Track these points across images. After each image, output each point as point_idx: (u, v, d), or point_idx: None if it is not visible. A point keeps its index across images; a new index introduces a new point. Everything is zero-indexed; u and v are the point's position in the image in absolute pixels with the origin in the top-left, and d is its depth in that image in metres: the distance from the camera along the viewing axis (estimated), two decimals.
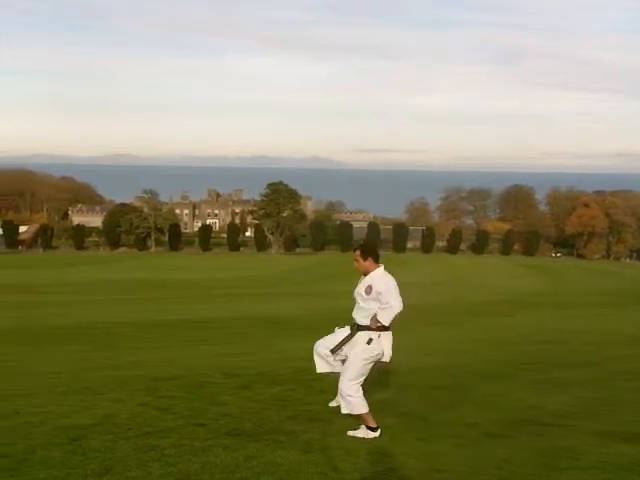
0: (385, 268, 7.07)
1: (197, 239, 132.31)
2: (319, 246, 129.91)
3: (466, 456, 6.35)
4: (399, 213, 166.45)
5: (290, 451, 6.35)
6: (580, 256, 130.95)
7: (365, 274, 7.04)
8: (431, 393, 9.17)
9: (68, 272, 76.27)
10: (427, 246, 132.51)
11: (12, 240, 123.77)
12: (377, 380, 10.22)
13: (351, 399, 6.88)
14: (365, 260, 7.00)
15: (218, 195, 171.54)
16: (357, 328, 6.99)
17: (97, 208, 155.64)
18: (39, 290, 50.27)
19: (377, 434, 6.86)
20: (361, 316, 6.99)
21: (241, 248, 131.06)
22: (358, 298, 7.07)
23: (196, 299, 40.64)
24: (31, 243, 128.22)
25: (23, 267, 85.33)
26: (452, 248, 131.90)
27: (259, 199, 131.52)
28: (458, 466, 6.07)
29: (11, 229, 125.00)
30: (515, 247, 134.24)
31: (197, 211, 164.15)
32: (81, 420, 7.32)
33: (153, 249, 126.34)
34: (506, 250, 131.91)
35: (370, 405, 7.00)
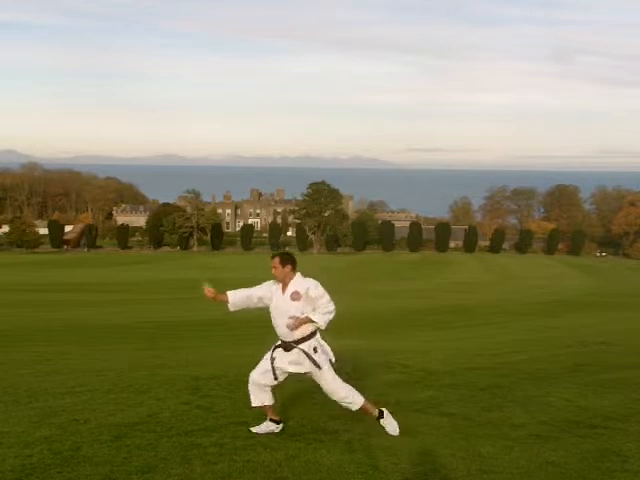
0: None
1: (239, 239, 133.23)
2: (360, 246, 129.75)
3: (512, 457, 6.24)
4: (443, 213, 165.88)
5: (332, 450, 6.32)
6: (626, 255, 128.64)
7: (282, 281, 6.85)
8: (477, 393, 9.06)
9: (113, 271, 77.33)
10: (469, 245, 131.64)
11: (58, 240, 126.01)
12: (421, 380, 10.15)
13: (350, 397, 6.86)
14: (284, 267, 6.80)
15: (260, 195, 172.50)
16: (294, 343, 6.80)
17: (141, 208, 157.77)
18: (86, 289, 51.10)
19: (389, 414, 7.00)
20: (298, 330, 6.78)
21: (286, 247, 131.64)
22: (283, 311, 6.79)
23: None
24: (76, 243, 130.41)
25: (69, 266, 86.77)
26: (495, 247, 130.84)
27: (301, 199, 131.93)
28: (504, 467, 5.96)
29: (57, 229, 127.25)
30: (559, 247, 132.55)
31: (239, 211, 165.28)
32: (125, 418, 7.38)
33: (195, 248, 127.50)
34: (550, 249, 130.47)
35: (415, 404, 6.91)
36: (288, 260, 6.83)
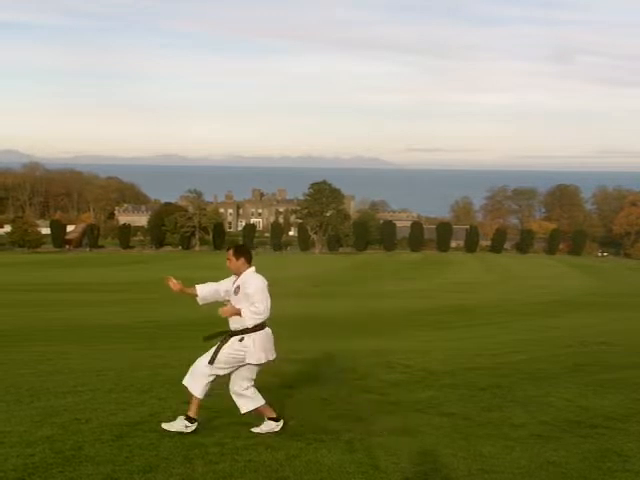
0: (257, 270, 6.93)
1: (241, 238, 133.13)
2: (362, 246, 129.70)
3: (513, 457, 6.25)
4: (444, 213, 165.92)
5: (332, 450, 6.32)
6: (627, 256, 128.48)
7: (237, 274, 6.96)
8: (478, 393, 9.06)
9: (114, 271, 77.28)
10: (471, 245, 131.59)
11: (60, 239, 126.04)
12: (421, 380, 10.16)
13: (195, 377, 6.97)
14: (237, 260, 6.91)
15: (262, 194, 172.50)
16: (231, 334, 6.90)
17: (143, 208, 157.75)
18: (87, 289, 51.08)
19: (194, 426, 6.88)
20: (233, 321, 6.88)
21: (288, 247, 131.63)
22: (231, 301, 6.97)
23: None
24: (78, 242, 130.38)
25: (70, 266, 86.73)
26: (496, 247, 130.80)
27: (303, 199, 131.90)
28: (504, 467, 5.97)
29: (59, 228, 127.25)
30: (560, 247, 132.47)
31: (241, 210, 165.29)
32: (127, 418, 7.39)
33: (197, 248, 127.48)
34: (551, 249, 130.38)
35: (415, 404, 6.88)
36: (242, 252, 6.96)
